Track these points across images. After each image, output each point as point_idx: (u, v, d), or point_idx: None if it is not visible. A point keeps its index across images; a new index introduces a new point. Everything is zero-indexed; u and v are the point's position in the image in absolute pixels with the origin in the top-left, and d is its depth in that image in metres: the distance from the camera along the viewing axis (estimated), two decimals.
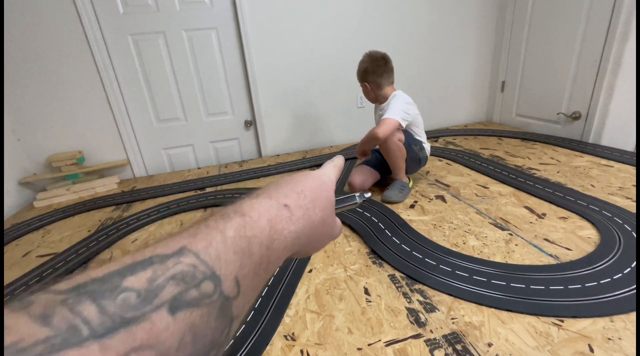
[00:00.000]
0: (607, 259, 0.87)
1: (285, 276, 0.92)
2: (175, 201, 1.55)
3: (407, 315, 0.76)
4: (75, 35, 1.73)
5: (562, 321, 0.70)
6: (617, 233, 0.98)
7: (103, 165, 1.93)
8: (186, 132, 2.11)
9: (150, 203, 1.60)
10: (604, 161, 1.56)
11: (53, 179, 1.84)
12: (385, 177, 1.53)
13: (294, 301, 0.84)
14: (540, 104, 2.16)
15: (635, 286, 0.77)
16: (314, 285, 0.89)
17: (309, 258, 1.00)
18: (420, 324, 0.73)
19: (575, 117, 1.91)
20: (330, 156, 2.01)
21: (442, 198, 1.34)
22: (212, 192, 1.63)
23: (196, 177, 1.92)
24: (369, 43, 2.20)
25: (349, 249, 1.04)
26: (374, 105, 1.57)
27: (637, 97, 1.66)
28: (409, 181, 1.40)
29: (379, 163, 1.50)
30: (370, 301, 0.81)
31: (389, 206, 1.29)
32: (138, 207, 1.57)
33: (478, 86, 2.57)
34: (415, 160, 1.41)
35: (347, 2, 2.07)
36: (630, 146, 1.76)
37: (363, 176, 1.44)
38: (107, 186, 1.84)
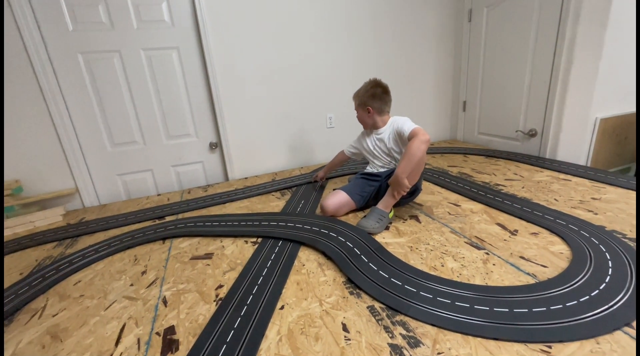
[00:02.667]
0: (582, 276, 0.87)
1: (254, 316, 0.82)
2: (130, 233, 1.39)
3: (391, 352, 0.68)
4: (13, 51, 1.57)
5: (550, 347, 0.67)
6: (587, 247, 1.00)
7: (45, 195, 1.72)
8: (145, 157, 1.96)
9: (101, 236, 1.42)
10: (562, 176, 1.63)
11: None
12: (362, 209, 1.44)
13: (264, 345, 0.74)
14: (500, 122, 2.27)
15: (612, 303, 0.76)
16: (286, 324, 0.79)
17: (279, 293, 0.90)
18: None
19: (532, 134, 2.02)
20: (300, 178, 1.97)
21: (417, 218, 1.31)
22: (172, 221, 1.48)
23: (155, 205, 1.77)
24: (334, 64, 2.23)
25: (323, 279, 0.96)
26: (362, 131, 1.56)
27: (637, 108, 1.77)
28: (391, 211, 1.29)
29: (357, 193, 1.41)
30: (349, 340, 0.73)
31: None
32: (85, 241, 1.39)
33: (442, 106, 2.67)
34: (417, 189, 1.36)
35: (311, 23, 2.09)
36: (582, 160, 1.88)
37: (338, 202, 1.37)
38: (49, 218, 1.63)
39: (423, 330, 0.74)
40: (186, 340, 0.77)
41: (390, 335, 0.73)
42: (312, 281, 0.96)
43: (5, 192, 1.60)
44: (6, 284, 1.10)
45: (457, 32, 2.48)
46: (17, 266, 1.23)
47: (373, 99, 1.40)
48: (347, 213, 1.41)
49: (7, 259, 1.29)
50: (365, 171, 1.51)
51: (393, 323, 0.77)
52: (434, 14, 2.40)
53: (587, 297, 0.79)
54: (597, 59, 1.70)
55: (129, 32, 1.76)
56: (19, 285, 1.07)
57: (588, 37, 1.68)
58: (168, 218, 1.55)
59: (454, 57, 2.56)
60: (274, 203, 1.62)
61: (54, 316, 0.91)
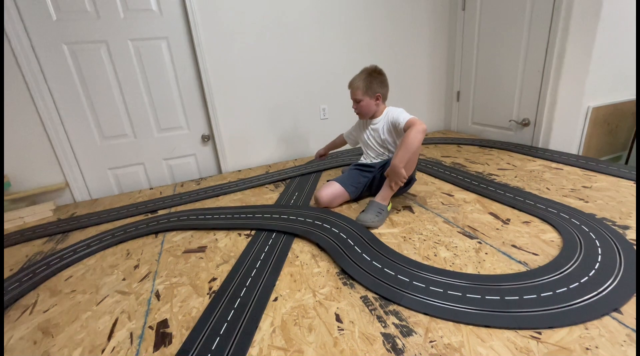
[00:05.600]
0: (572, 263, 0.88)
1: (247, 308, 0.82)
2: (122, 227, 1.38)
3: (383, 341, 0.69)
4: None
5: (540, 333, 0.67)
6: (577, 235, 1.01)
7: (34, 190, 1.69)
8: (136, 150, 1.93)
9: (92, 231, 1.41)
10: (554, 165, 1.64)
11: None
12: (356, 200, 1.43)
13: (257, 337, 0.74)
14: (493, 112, 2.27)
15: (598, 291, 0.77)
16: (279, 316, 0.79)
17: (273, 285, 0.90)
18: (398, 351, 0.66)
19: (525, 123, 2.02)
20: (294, 170, 1.96)
21: (410, 209, 1.31)
22: (165, 215, 1.47)
23: (147, 198, 1.75)
24: (328, 55, 2.20)
25: (317, 271, 0.96)
26: (357, 121, 1.54)
27: (637, 108, 1.77)
28: (389, 204, 1.26)
29: (350, 184, 1.40)
30: (342, 330, 0.73)
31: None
32: (76, 237, 1.37)
33: (435, 97, 2.66)
34: (412, 180, 1.36)
35: (304, 12, 2.05)
36: (574, 149, 1.89)
37: (332, 193, 1.36)
38: (38, 214, 1.60)
39: (416, 319, 0.74)
40: (179, 333, 0.77)
41: (383, 325, 0.73)
42: (305, 272, 0.96)
43: None
44: None
45: (451, 21, 2.45)
46: (7, 262, 1.21)
47: (382, 86, 1.37)
48: (341, 204, 1.41)
49: None
50: (359, 162, 1.51)
51: (386, 313, 0.77)
52: (427, 3, 2.36)
53: (577, 284, 0.80)
54: (589, 48, 1.70)
55: (116, 22, 1.71)
56: (9, 281, 1.05)
57: (581, 26, 1.67)
58: (161, 212, 1.53)
59: (448, 47, 2.54)
60: (268, 195, 1.61)
61: (45, 311, 0.90)
